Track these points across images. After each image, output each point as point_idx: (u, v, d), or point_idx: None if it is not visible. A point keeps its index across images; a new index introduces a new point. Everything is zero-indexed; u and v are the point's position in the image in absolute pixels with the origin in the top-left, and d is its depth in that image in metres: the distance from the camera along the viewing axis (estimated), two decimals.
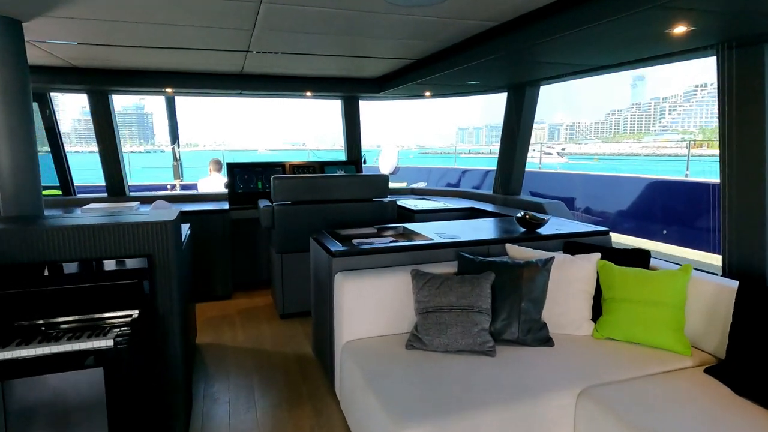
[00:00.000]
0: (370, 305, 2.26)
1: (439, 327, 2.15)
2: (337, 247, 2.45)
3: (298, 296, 3.54)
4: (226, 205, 4.11)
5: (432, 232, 2.82)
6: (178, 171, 10.04)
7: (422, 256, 2.51)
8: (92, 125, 4.15)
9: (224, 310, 3.84)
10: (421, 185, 11.83)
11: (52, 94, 4.24)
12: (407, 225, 3.01)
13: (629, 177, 6.38)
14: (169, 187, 10.93)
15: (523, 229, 2.91)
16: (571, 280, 2.38)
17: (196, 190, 7.07)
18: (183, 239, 2.62)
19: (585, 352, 2.14)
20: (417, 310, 2.23)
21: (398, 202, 4.03)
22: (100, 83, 3.73)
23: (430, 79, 3.39)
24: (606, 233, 2.91)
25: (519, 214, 2.93)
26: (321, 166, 4.44)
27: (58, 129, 4.38)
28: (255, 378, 2.74)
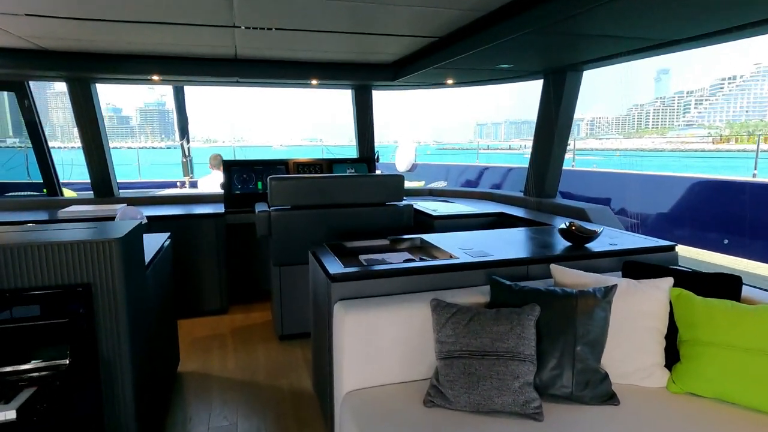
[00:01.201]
0: (378, 345, 1.76)
1: (467, 379, 1.64)
2: (337, 268, 1.95)
3: (299, 315, 3.07)
4: (221, 208, 3.65)
5: (455, 245, 2.31)
6: (187, 167, 9.69)
7: (445, 279, 2.00)
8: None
9: (216, 328, 3.39)
10: (441, 185, 11.22)
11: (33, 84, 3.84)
12: (425, 236, 2.50)
13: (677, 177, 5.73)
14: (178, 184, 10.62)
15: (568, 243, 2.37)
16: (637, 315, 1.84)
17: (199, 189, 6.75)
18: (155, 255, 2.16)
19: (661, 414, 1.61)
20: (439, 353, 1.72)
21: (415, 206, 3.53)
22: (77, 69, 3.30)
23: (454, 62, 2.86)
24: (672, 248, 2.36)
25: (563, 225, 2.39)
26: (329, 164, 3.95)
27: (40, 122, 3.98)
28: (240, 424, 2.27)
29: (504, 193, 3.95)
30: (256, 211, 2.96)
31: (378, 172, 5.79)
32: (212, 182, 6.00)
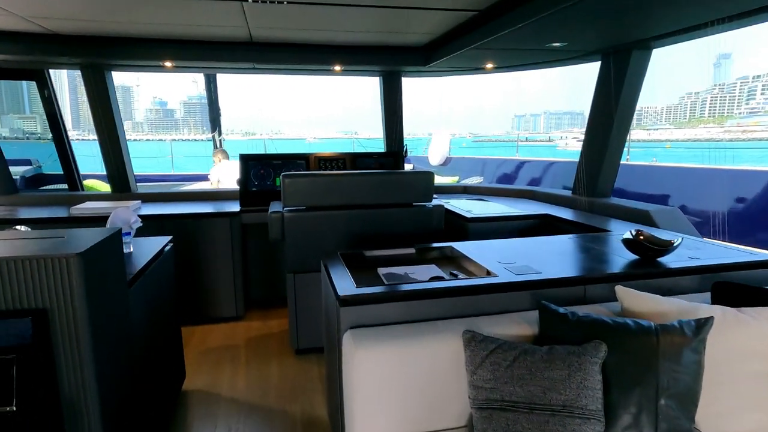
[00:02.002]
0: (397, 386, 1.41)
1: None
2: (348, 286, 1.61)
3: (317, 327, 2.75)
4: (236, 206, 3.38)
5: (493, 257, 1.93)
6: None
7: (481, 303, 1.62)
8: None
9: (230, 337, 3.13)
10: (476, 181, 10.67)
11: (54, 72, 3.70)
12: (458, 245, 2.12)
13: (756, 171, 5.04)
14: (209, 177, 10.59)
15: (635, 257, 1.94)
16: (741, 356, 1.41)
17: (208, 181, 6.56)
18: (148, 264, 1.88)
19: None
20: (474, 400, 1.36)
21: (447, 205, 3.13)
22: (89, 54, 3.08)
23: (496, 40, 2.45)
24: None
25: (628, 234, 1.95)
26: (353, 158, 3.60)
27: (60, 113, 3.84)
28: None
29: (548, 191, 3.49)
30: (269, 212, 2.66)
31: (409, 167, 5.39)
32: (220, 172, 5.89)
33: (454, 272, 1.88)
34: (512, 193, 3.75)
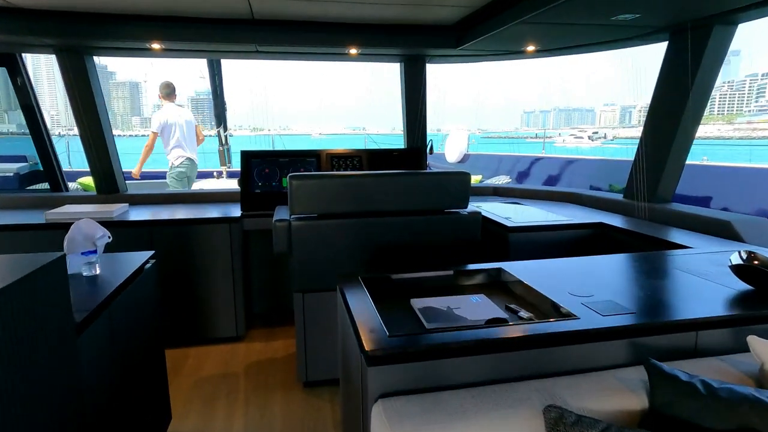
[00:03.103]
0: None
1: None
2: (376, 334, 1.17)
3: (329, 357, 2.33)
4: (237, 210, 2.96)
5: (559, 284, 1.49)
6: (224, 156, 9.19)
7: (561, 356, 1.18)
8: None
9: (228, 363, 2.71)
10: (504, 180, 10.13)
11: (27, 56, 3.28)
12: (508, 266, 1.68)
13: None
14: (215, 174, 10.22)
15: (746, 286, 1.48)
16: None
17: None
18: (115, 293, 1.47)
19: None
20: None
21: (482, 211, 2.69)
22: (65, 34, 2.66)
23: (552, 11, 1.99)
24: None
25: (737, 258, 1.50)
26: (370, 156, 3.16)
27: (37, 103, 3.42)
28: None
29: (595, 194, 3.03)
30: (274, 219, 2.23)
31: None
32: (164, 116, 4.85)
33: (512, 306, 1.44)
34: (552, 195, 3.28)
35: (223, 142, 9.05)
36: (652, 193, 2.63)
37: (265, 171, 3.06)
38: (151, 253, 1.89)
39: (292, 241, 2.17)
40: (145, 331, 1.80)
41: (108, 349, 1.44)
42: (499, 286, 1.65)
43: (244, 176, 3.02)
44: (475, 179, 9.31)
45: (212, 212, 2.95)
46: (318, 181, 2.14)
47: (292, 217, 2.19)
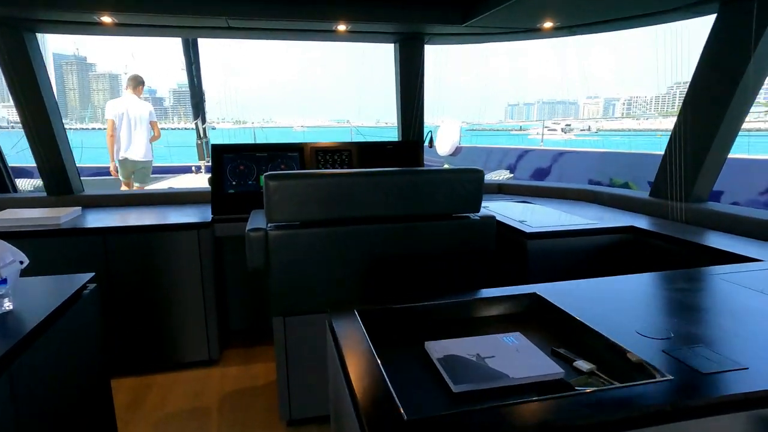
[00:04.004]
0: None
1: None
2: (390, 424, 0.79)
3: (316, 390, 1.95)
4: (208, 214, 2.55)
5: (616, 317, 1.14)
6: (203, 150, 8.68)
7: None
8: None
9: (199, 395, 2.31)
10: (504, 176, 9.79)
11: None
12: (543, 290, 1.32)
13: None
14: (193, 168, 9.72)
15: None
16: None
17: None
18: (30, 334, 1.07)
19: None
20: None
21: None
22: None
23: None
24: None
25: None
26: (360, 150, 2.77)
27: None
28: None
29: (616, 192, 2.69)
30: (247, 228, 1.83)
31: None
32: (118, 106, 4.75)
33: (562, 352, 1.08)
34: (566, 193, 2.93)
35: (202, 134, 8.55)
36: (688, 192, 2.30)
37: (240, 168, 2.65)
38: (89, 275, 1.49)
39: (269, 254, 1.78)
40: (81, 371, 1.41)
41: (11, 412, 1.05)
42: (535, 317, 1.29)
43: (216, 174, 2.61)
44: None
45: (179, 216, 2.54)
46: (300, 182, 1.75)
47: (270, 225, 1.80)
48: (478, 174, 1.84)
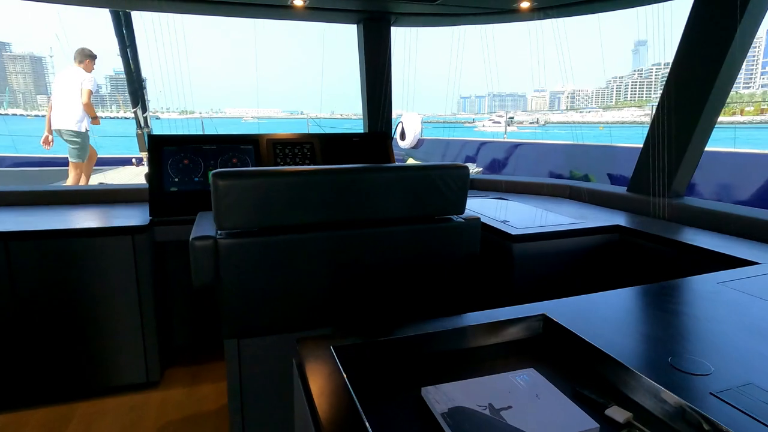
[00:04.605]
0: None
1: None
2: None
3: (275, 424, 1.68)
4: (145, 215, 2.20)
5: (640, 345, 0.96)
6: (144, 141, 8.03)
7: None
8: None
9: (135, 424, 1.98)
10: (474, 170, 9.70)
11: None
12: (550, 308, 1.13)
13: None
14: (134, 160, 9.04)
15: None
16: None
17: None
18: None
19: None
20: None
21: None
22: None
23: None
24: None
25: None
26: (324, 142, 2.49)
27: None
28: None
29: (593, 187, 2.58)
30: (192, 236, 1.52)
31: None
32: (59, 79, 4.88)
33: (587, 394, 0.89)
34: (541, 189, 2.79)
35: (142, 124, 7.89)
36: (668, 187, 2.20)
37: (184, 162, 2.30)
38: None
39: (220, 268, 1.49)
40: None
41: None
42: (546, 344, 1.09)
43: (155, 170, 2.26)
44: None
45: (110, 218, 2.17)
46: (257, 181, 1.47)
47: (220, 233, 1.50)
48: (464, 171, 1.63)
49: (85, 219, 2.16)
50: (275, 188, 1.47)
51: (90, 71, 4.96)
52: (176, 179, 2.27)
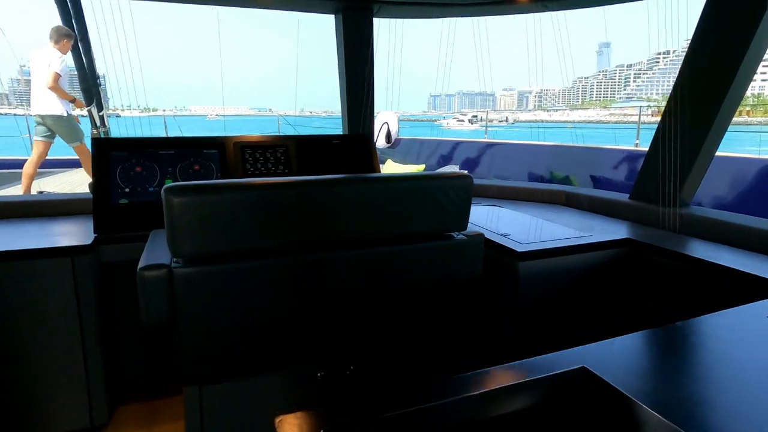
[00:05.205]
0: None
1: None
2: None
3: None
4: (89, 233, 1.88)
5: (714, 412, 0.74)
6: None
7: None
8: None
9: None
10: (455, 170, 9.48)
11: None
12: (590, 357, 0.90)
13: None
14: None
15: None
16: None
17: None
18: None
19: None
20: None
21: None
22: None
23: None
24: None
25: None
26: (299, 145, 2.21)
27: None
28: None
29: (592, 194, 2.40)
30: (141, 264, 1.24)
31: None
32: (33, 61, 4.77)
33: None
34: (535, 195, 2.59)
35: (98, 123, 7.33)
36: (677, 195, 2.03)
37: (136, 170, 1.99)
38: None
39: (177, 303, 1.21)
40: None
41: None
42: (588, 407, 0.87)
43: (101, 179, 1.93)
44: (416, 169, 8.52)
45: (45, 237, 1.84)
46: (221, 196, 1.19)
47: (175, 261, 1.23)
48: (467, 180, 1.40)
49: (17, 237, 1.82)
50: (244, 204, 1.20)
51: (66, 52, 4.77)
52: (127, 189, 1.95)
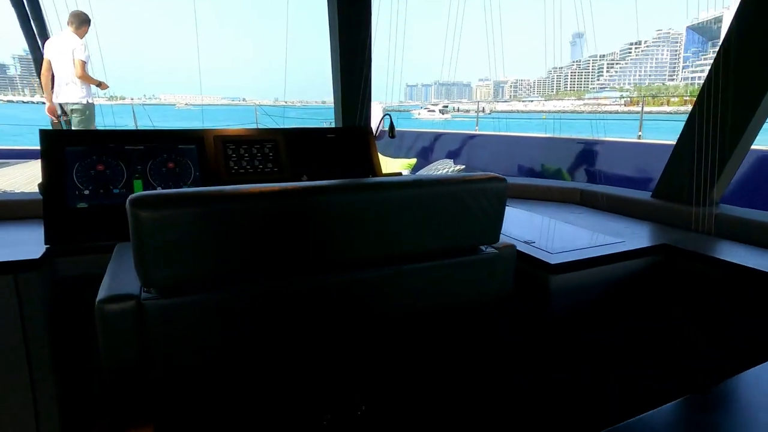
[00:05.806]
0: None
1: None
2: None
3: None
4: (39, 244, 1.57)
5: None
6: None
7: None
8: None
9: None
10: (450, 167, 9.17)
11: None
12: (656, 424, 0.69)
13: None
14: None
15: None
16: None
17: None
18: None
19: None
20: None
21: None
22: None
23: None
24: None
25: None
26: (290, 139, 1.93)
27: None
28: None
29: (609, 191, 2.21)
30: (101, 295, 0.97)
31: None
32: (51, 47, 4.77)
33: None
34: (548, 194, 2.38)
35: (59, 113, 6.81)
36: (706, 194, 1.85)
37: (98, 168, 1.69)
38: None
39: (149, 343, 0.96)
40: None
41: None
42: None
43: (52, 179, 1.63)
44: (406, 164, 8.20)
45: None
46: (205, 209, 0.94)
47: (145, 292, 0.97)
48: (501, 184, 1.17)
49: None
50: (233, 217, 0.95)
51: (83, 38, 4.81)
52: (86, 191, 1.65)
